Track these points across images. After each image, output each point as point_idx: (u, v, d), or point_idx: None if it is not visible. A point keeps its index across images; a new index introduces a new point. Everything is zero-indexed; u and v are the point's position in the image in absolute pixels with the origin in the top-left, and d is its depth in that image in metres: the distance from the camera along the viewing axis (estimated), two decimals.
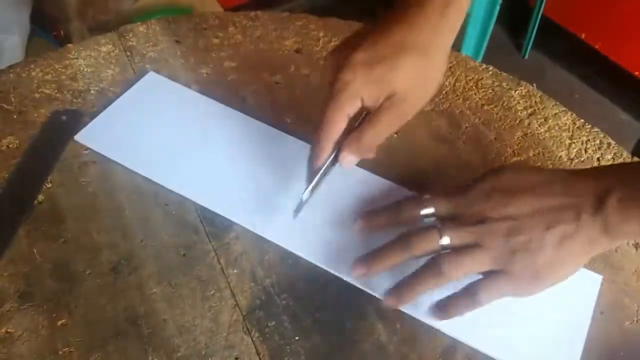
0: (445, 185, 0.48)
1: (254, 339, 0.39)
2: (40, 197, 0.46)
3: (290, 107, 0.54)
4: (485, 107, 0.55)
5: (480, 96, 0.56)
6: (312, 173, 0.41)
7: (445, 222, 0.38)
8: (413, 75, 0.39)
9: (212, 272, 0.43)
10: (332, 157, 0.41)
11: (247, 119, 0.52)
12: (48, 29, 1.13)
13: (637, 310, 0.42)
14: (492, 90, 0.56)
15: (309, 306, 0.41)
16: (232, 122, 0.52)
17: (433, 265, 0.37)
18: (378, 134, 0.40)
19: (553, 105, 0.55)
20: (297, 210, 0.41)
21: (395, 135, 0.52)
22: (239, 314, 0.41)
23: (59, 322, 0.39)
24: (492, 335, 0.40)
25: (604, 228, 0.36)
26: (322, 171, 0.41)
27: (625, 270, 0.44)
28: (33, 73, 0.55)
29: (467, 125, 0.54)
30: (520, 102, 0.56)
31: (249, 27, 0.61)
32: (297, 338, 0.40)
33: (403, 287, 0.38)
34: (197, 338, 0.39)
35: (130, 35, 0.59)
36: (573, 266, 0.37)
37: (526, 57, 1.64)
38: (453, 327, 0.39)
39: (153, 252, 0.43)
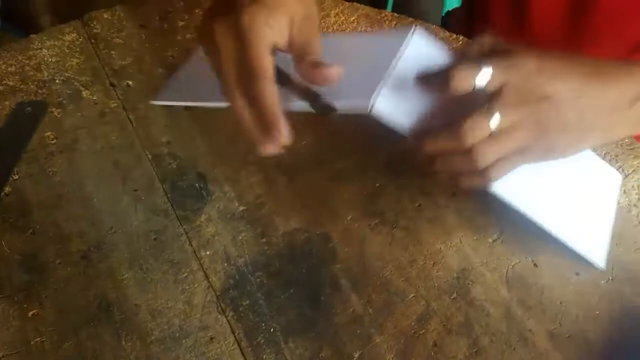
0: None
1: (228, 319, 0.39)
2: (7, 189, 0.45)
3: None
4: None
5: None
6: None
7: (495, 98, 0.37)
8: None
9: (184, 254, 0.42)
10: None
11: None
12: (19, 25, 1.11)
13: None
14: None
15: (283, 283, 0.41)
16: None
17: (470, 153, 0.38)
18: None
19: None
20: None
21: None
22: (212, 295, 0.40)
23: (30, 313, 0.39)
24: (530, 195, 0.41)
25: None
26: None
27: None
28: None
29: None
30: None
31: None
32: (271, 315, 0.39)
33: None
34: (171, 321, 0.39)
35: (95, 23, 0.58)
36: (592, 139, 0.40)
37: None
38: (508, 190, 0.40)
39: (123, 239, 0.43)
